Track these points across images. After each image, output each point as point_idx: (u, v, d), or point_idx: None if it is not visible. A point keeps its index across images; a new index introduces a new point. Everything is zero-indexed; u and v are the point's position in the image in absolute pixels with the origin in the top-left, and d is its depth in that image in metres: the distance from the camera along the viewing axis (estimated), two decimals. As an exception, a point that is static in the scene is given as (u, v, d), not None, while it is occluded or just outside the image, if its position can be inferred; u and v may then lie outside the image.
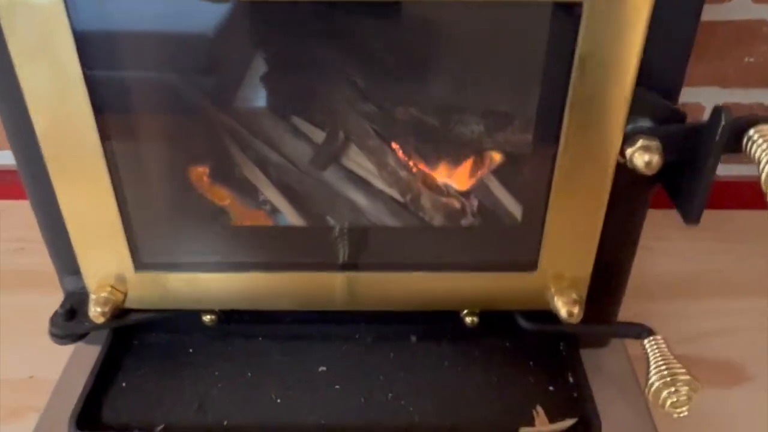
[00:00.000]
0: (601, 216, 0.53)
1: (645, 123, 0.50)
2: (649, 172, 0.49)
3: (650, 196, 0.58)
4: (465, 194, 0.65)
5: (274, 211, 0.65)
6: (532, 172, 0.54)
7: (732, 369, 0.76)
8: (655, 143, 0.49)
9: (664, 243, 1.05)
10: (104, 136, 0.49)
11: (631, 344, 0.78)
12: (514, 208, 0.57)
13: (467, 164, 0.65)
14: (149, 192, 0.55)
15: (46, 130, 0.48)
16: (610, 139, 0.49)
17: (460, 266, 0.56)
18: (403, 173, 0.66)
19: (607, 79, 0.47)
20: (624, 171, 0.52)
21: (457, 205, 0.66)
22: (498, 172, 0.60)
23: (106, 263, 0.55)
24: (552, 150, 0.50)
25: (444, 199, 0.66)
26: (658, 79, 0.50)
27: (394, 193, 0.66)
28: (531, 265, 0.56)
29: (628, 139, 0.50)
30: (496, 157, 0.63)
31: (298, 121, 0.67)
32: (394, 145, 0.67)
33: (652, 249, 1.02)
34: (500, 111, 0.61)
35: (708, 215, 1.29)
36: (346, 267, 0.56)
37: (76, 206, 0.52)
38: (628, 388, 0.71)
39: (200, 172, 0.63)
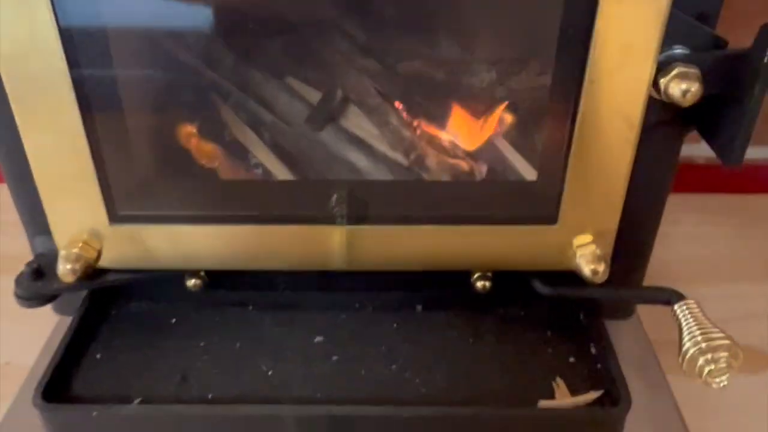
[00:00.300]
0: (629, 162, 0.47)
1: (681, 51, 0.45)
2: (686, 104, 0.44)
3: (681, 142, 0.52)
4: (475, 152, 0.59)
5: (267, 173, 0.60)
6: (551, 116, 0.49)
7: (753, 354, 0.72)
8: (693, 70, 0.43)
9: (680, 227, 1.02)
10: (74, 65, 0.43)
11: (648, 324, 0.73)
12: (531, 156, 0.52)
13: (478, 119, 0.59)
14: (126, 134, 0.49)
15: (8, 61, 0.43)
16: (643, 69, 0.44)
17: (470, 219, 0.51)
18: (406, 133, 0.61)
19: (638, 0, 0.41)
20: (654, 111, 0.47)
21: (465, 166, 0.60)
22: (513, 122, 0.55)
23: (77, 216, 0.49)
24: (575, 88, 0.45)
25: (452, 160, 0.61)
26: (694, 1, 0.44)
27: (397, 156, 0.61)
28: (550, 218, 0.50)
29: (663, 69, 0.44)
30: (510, 107, 0.57)
31: (292, 79, 0.62)
32: (397, 104, 0.62)
33: (668, 233, 0.98)
34: (514, 54, 0.55)
35: (725, 199, 1.24)
36: (345, 220, 0.50)
37: (42, 149, 0.46)
38: (648, 370, 0.66)
39: (186, 127, 0.57)
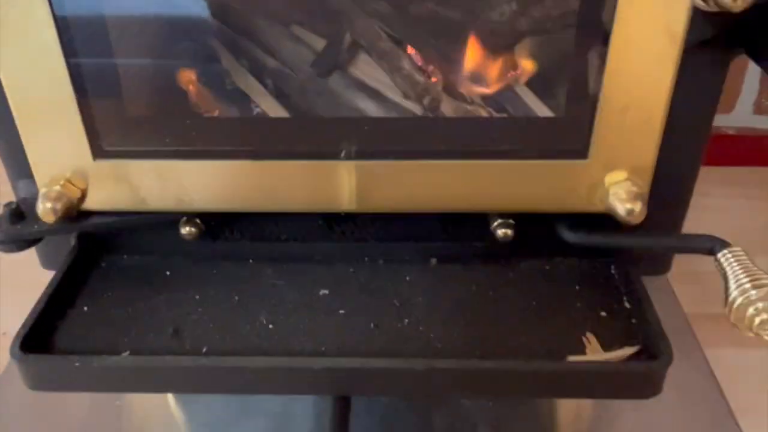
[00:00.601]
0: (670, 83, 0.42)
1: (730, -50, 0.40)
2: (737, 8, 0.38)
3: (727, 68, 0.47)
4: (497, 91, 0.54)
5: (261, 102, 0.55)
6: (581, 32, 0.43)
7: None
8: (746, -31, 0.38)
9: (709, 200, 0.98)
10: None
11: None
12: (558, 81, 0.46)
13: (499, 56, 0.54)
14: (112, 59, 0.45)
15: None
16: (687, -30, 0.38)
17: (490, 153, 0.46)
18: (419, 78, 0.56)
19: None
20: (697, 26, 0.42)
21: (483, 112, 0.55)
22: (538, 53, 0.50)
23: (58, 151, 0.45)
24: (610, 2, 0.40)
25: (469, 106, 0.56)
26: None
27: (410, 104, 0.56)
28: (580, 152, 0.45)
29: (709, -30, 0.39)
30: (535, 40, 0.52)
31: (295, 25, 0.58)
32: (409, 47, 0.57)
33: (696, 206, 0.95)
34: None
35: (756, 172, 1.19)
36: (353, 155, 0.46)
37: (16, 71, 0.42)
38: (683, 340, 0.61)
39: (174, 48, 0.53)
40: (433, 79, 0.56)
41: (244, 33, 0.56)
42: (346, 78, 0.56)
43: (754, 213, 1.06)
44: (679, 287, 0.71)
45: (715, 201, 0.97)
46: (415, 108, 0.56)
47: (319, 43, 0.57)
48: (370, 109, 0.57)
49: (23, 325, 0.46)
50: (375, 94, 0.57)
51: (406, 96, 0.56)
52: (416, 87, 0.56)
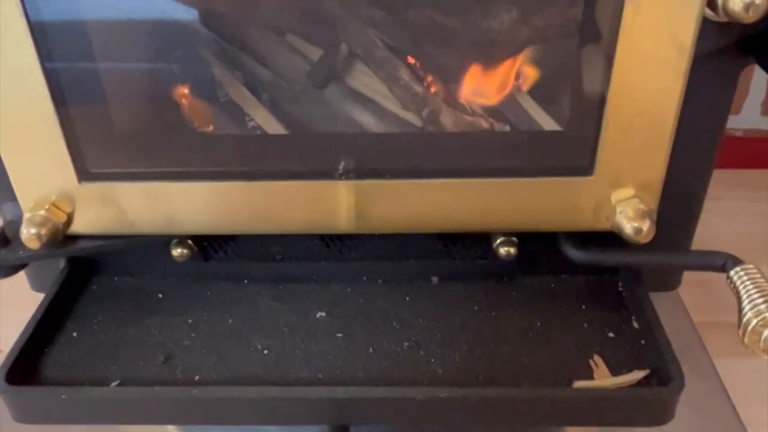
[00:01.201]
0: (678, 96, 0.40)
1: (740, -42, 0.38)
2: (748, 20, 0.36)
3: (738, 78, 0.45)
4: (498, 103, 0.52)
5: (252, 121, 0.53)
6: (585, 45, 0.42)
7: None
8: (758, -21, 0.36)
9: (721, 203, 0.96)
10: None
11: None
12: (561, 95, 0.44)
13: (499, 67, 0.52)
14: (96, 77, 0.43)
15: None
16: (696, -21, 0.36)
17: (492, 171, 0.44)
18: (418, 89, 0.54)
19: None
20: (706, 36, 0.40)
21: (486, 122, 0.53)
22: (540, 63, 0.48)
23: (42, 174, 0.43)
24: (615, 7, 0.38)
25: (470, 117, 0.54)
26: None
27: (409, 114, 0.54)
28: (585, 168, 0.43)
29: (720, -21, 0.37)
30: (536, 50, 0.50)
31: (290, 34, 0.56)
32: (408, 57, 0.55)
33: (708, 209, 0.93)
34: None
35: (763, 174, 1.16)
36: (351, 174, 0.44)
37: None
38: (692, 351, 0.59)
39: (161, 63, 0.51)
40: (433, 89, 0.55)
41: (237, 43, 0.54)
42: (342, 89, 0.55)
43: (763, 216, 1.03)
44: (687, 295, 0.69)
45: (722, 204, 0.95)
46: (414, 119, 0.54)
47: (315, 53, 0.56)
48: (368, 121, 0.55)
49: (9, 355, 0.45)
50: (373, 106, 0.55)
51: (404, 107, 0.54)
52: (415, 98, 0.54)
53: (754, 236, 0.96)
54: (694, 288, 0.68)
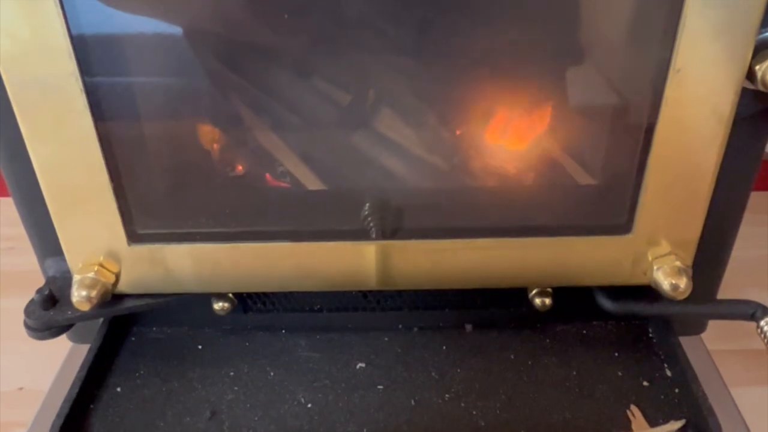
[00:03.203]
0: (716, 161, 0.42)
1: (777, 33, 0.39)
2: (788, 93, 0.38)
3: (767, 138, 0.46)
4: (533, 155, 0.53)
5: (295, 182, 0.54)
6: (629, 111, 0.43)
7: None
8: (796, 55, 0.38)
9: None
10: (85, 67, 0.38)
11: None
12: (600, 156, 0.46)
13: (534, 118, 0.53)
14: (144, 144, 0.44)
15: (10, 62, 0.37)
16: (737, 55, 0.38)
17: (528, 230, 0.45)
18: (446, 135, 0.55)
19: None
20: (744, 103, 0.41)
21: (514, 169, 0.54)
22: (580, 121, 0.49)
23: (92, 235, 0.44)
24: (659, 78, 0.39)
25: (499, 163, 0.55)
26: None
27: (437, 160, 0.55)
28: (624, 227, 0.44)
29: (757, 54, 0.39)
30: (574, 105, 0.51)
31: (320, 81, 0.57)
32: (435, 103, 0.56)
33: None
34: (578, 42, 0.49)
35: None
36: (377, 234, 0.44)
37: (52, 162, 0.41)
38: (710, 382, 0.60)
39: (209, 134, 0.52)
40: (460, 134, 0.55)
41: (268, 91, 0.55)
42: (371, 135, 0.56)
43: (761, 240, 1.05)
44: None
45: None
46: (443, 165, 0.55)
47: (343, 97, 0.56)
48: (397, 168, 0.56)
49: (58, 414, 0.45)
50: (400, 151, 0.56)
51: (432, 152, 0.55)
52: (443, 145, 0.55)
53: (752, 260, 0.97)
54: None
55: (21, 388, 0.79)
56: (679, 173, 0.42)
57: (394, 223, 0.46)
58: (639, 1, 0.39)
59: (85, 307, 0.44)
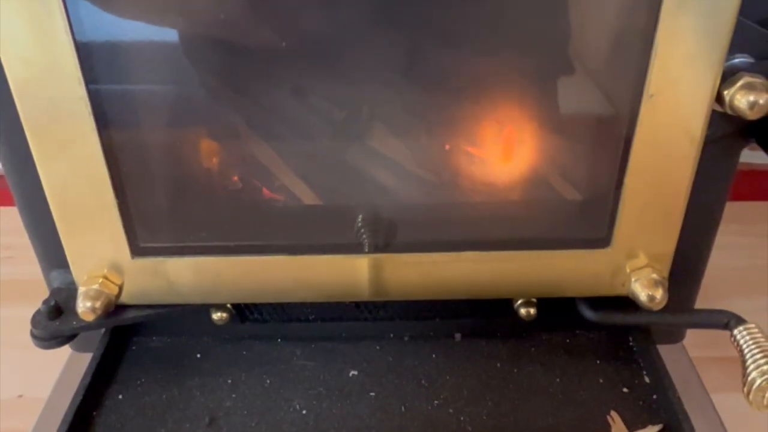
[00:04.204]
0: (689, 179, 0.44)
1: (744, 60, 0.42)
2: (752, 116, 0.41)
3: (739, 156, 0.49)
4: (518, 172, 0.56)
5: (291, 196, 0.56)
6: (606, 133, 0.45)
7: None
8: (760, 80, 0.40)
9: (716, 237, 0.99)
10: (92, 90, 0.40)
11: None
12: (581, 175, 0.48)
13: (521, 136, 0.55)
14: (148, 161, 0.46)
15: (23, 86, 0.39)
16: (706, 80, 0.40)
17: (513, 244, 0.47)
18: (437, 151, 0.57)
19: (705, 5, 0.38)
20: (714, 125, 0.44)
21: (501, 186, 0.57)
22: (563, 140, 0.51)
23: (97, 249, 0.46)
24: (634, 103, 0.41)
25: (486, 180, 0.57)
26: (758, 7, 0.41)
27: (428, 175, 0.57)
28: (603, 241, 0.47)
29: (726, 79, 0.41)
30: (558, 125, 0.53)
31: (315, 97, 0.59)
32: (427, 120, 0.58)
33: None
34: (562, 67, 0.52)
35: (754, 207, 1.20)
36: (369, 248, 0.47)
37: (60, 179, 0.43)
38: (691, 389, 0.63)
39: (208, 148, 0.54)
40: (451, 150, 0.58)
41: (265, 107, 0.57)
42: (364, 150, 0.58)
43: (756, 250, 1.07)
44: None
45: (722, 238, 1.00)
46: (434, 179, 0.57)
47: (337, 113, 0.59)
48: (388, 182, 0.58)
49: (63, 421, 0.47)
50: (392, 166, 0.58)
51: (423, 167, 0.57)
52: (434, 161, 0.57)
53: (748, 271, 1.00)
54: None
55: (20, 396, 0.81)
56: (654, 190, 0.45)
57: (385, 237, 0.49)
58: (615, 33, 0.42)
59: (90, 318, 0.46)
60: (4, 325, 0.89)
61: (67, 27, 0.38)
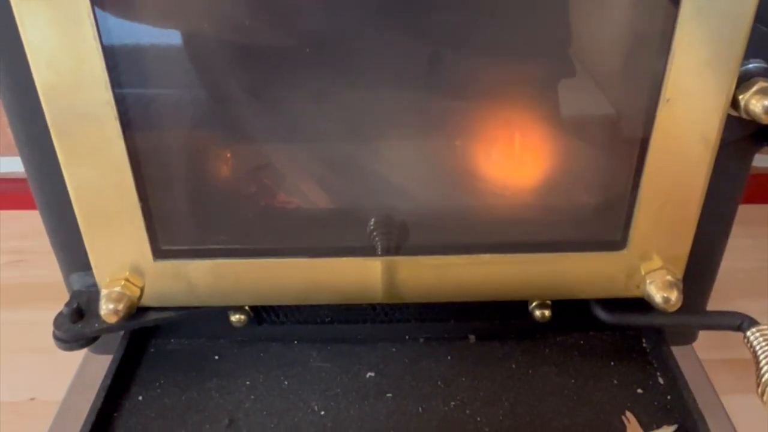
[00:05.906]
0: (704, 183, 0.45)
1: (758, 65, 0.43)
2: (767, 120, 0.41)
3: (752, 159, 0.50)
4: (535, 176, 0.56)
5: (307, 200, 0.57)
6: (622, 137, 0.46)
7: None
8: (776, 86, 0.41)
9: None
10: (119, 96, 0.41)
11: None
12: (598, 178, 0.49)
13: (537, 141, 0.56)
14: (171, 166, 0.46)
15: (52, 93, 0.40)
16: (722, 85, 0.41)
17: (529, 246, 0.48)
18: (451, 156, 0.58)
19: (721, 11, 0.39)
20: (729, 129, 0.44)
21: (516, 188, 0.57)
22: (579, 144, 0.52)
23: (120, 252, 0.46)
24: (651, 108, 0.42)
25: (502, 182, 0.58)
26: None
27: (444, 178, 0.58)
28: (619, 243, 0.47)
29: (741, 84, 0.42)
30: (575, 130, 0.54)
31: (328, 102, 0.60)
32: (443, 123, 0.59)
33: None
34: (578, 73, 0.52)
35: (758, 210, 1.20)
36: (382, 251, 0.48)
37: (85, 184, 0.44)
38: (702, 391, 0.63)
39: (227, 150, 0.55)
40: (465, 155, 0.58)
41: (283, 112, 0.58)
42: (377, 155, 0.58)
43: (759, 253, 1.08)
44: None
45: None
46: (447, 185, 0.58)
47: (351, 117, 0.59)
48: (401, 187, 0.58)
49: (85, 422, 0.47)
50: (405, 171, 0.58)
51: (436, 173, 0.58)
52: (448, 166, 0.58)
53: (754, 273, 1.00)
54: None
55: (33, 399, 0.81)
56: (670, 194, 0.45)
57: (399, 239, 0.49)
58: (633, 39, 0.42)
59: (113, 320, 0.46)
60: (15, 328, 0.90)
61: (96, 32, 0.38)
